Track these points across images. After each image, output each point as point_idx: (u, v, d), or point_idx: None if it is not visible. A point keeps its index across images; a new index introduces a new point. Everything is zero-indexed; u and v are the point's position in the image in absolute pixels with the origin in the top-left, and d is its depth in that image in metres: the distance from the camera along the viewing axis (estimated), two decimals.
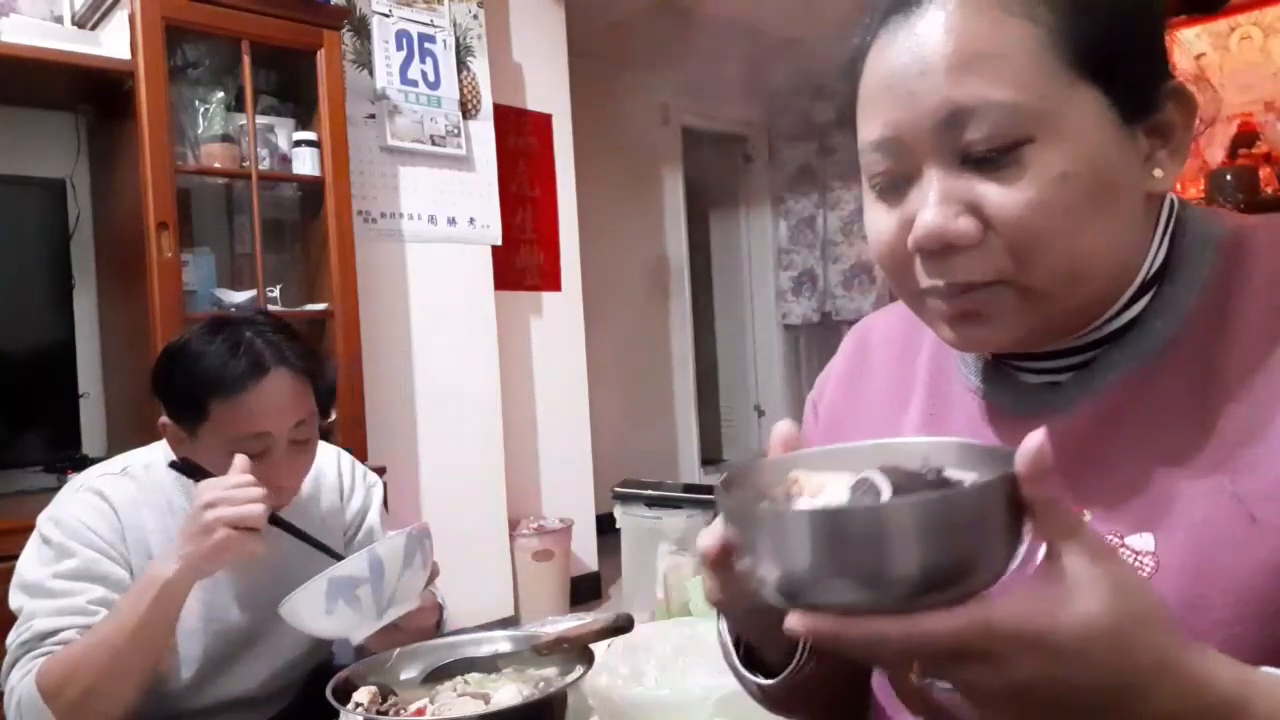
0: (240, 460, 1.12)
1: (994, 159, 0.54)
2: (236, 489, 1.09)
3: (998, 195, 0.54)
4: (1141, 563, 0.55)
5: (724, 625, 0.71)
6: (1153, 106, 0.57)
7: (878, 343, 0.79)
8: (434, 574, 1.20)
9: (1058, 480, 0.44)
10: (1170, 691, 0.44)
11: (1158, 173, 0.57)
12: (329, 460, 1.42)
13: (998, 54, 0.53)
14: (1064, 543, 0.44)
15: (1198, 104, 0.58)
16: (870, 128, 0.59)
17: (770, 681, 0.66)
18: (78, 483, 1.25)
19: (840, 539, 0.43)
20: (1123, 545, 0.56)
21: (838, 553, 0.43)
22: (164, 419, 1.22)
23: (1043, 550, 0.45)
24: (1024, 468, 0.43)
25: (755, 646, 0.68)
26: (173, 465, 1.19)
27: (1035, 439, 0.43)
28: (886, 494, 0.46)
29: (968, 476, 0.49)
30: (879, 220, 0.61)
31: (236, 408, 1.16)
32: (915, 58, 0.55)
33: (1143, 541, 0.55)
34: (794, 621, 0.44)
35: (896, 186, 0.59)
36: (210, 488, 1.10)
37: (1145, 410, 0.58)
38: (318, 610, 1.08)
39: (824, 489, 0.51)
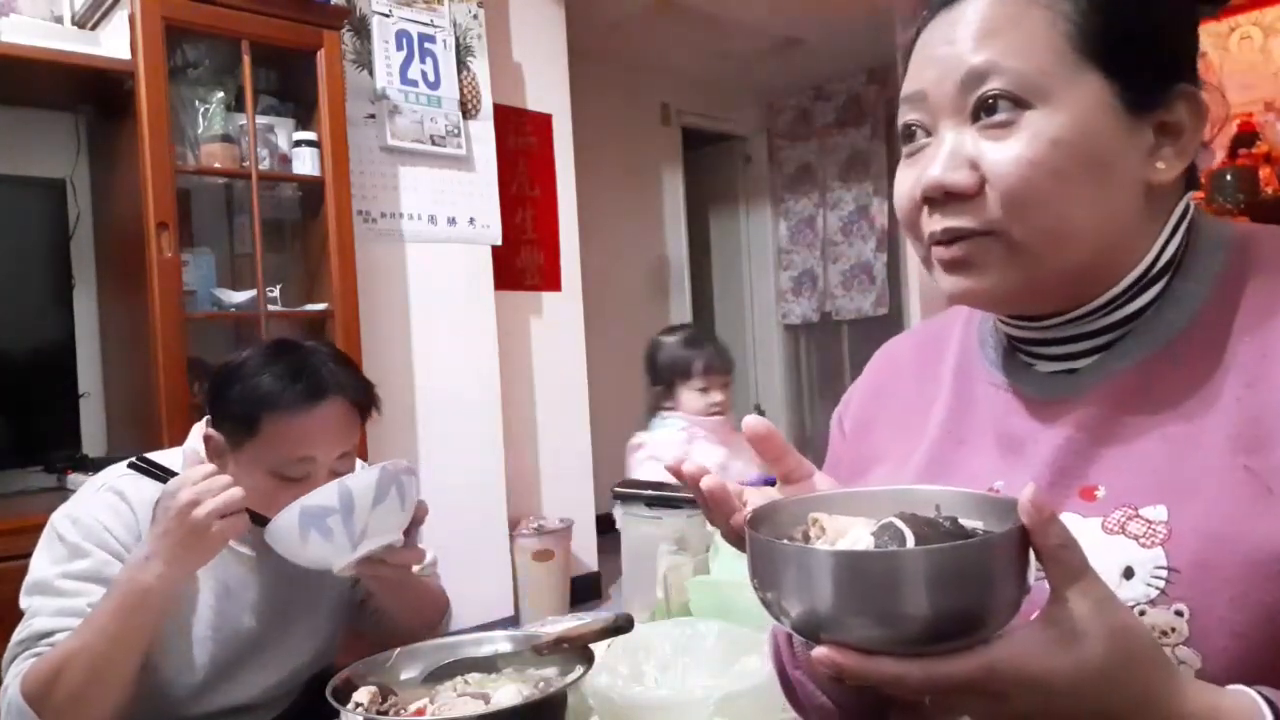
0: (195, 463, 1.14)
1: (997, 121, 0.60)
2: (208, 481, 1.09)
3: (993, 151, 0.61)
4: (1155, 530, 0.59)
5: None
6: (1159, 104, 0.61)
7: (902, 356, 0.84)
8: (421, 514, 1.22)
9: (1063, 528, 0.49)
10: None
11: (1160, 165, 0.62)
12: None
13: (1014, 32, 0.61)
14: (1068, 589, 0.49)
15: (1209, 109, 0.63)
16: (906, 85, 0.67)
17: None
18: (98, 481, 1.24)
19: (869, 581, 0.47)
20: (1137, 515, 0.60)
21: (865, 593, 0.47)
22: (209, 430, 1.22)
23: (1034, 575, 0.50)
24: (1028, 519, 0.48)
25: None
26: (132, 465, 1.18)
27: (1029, 491, 0.48)
28: (910, 541, 0.49)
29: (977, 524, 0.53)
30: (901, 179, 0.67)
31: (289, 427, 1.16)
32: (948, 33, 0.63)
33: (1156, 512, 0.59)
34: (821, 654, 0.49)
35: (920, 148, 0.66)
36: (184, 487, 1.08)
37: (1158, 394, 0.62)
38: (294, 538, 1.11)
39: (847, 533, 0.54)
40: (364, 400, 1.25)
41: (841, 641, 0.49)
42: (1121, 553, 0.59)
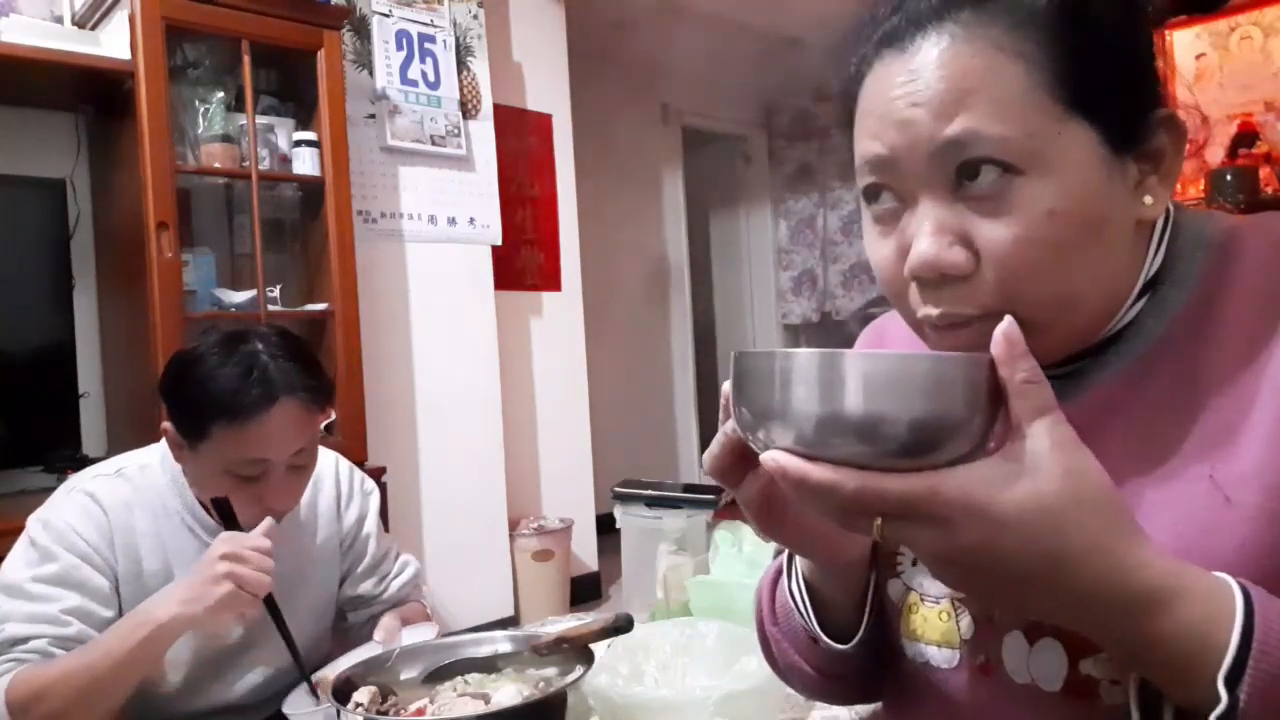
0: (268, 524, 1.16)
1: (986, 194, 0.55)
2: (255, 552, 1.11)
3: (987, 229, 0.55)
4: None
5: (796, 584, 0.74)
6: (1142, 136, 0.58)
7: (892, 337, 0.81)
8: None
9: (1033, 364, 0.48)
10: (1096, 572, 0.47)
11: (1148, 199, 0.58)
12: (327, 467, 1.42)
13: (988, 90, 0.54)
14: (1031, 423, 0.48)
15: (1187, 130, 0.59)
16: (867, 145, 0.60)
17: (844, 646, 0.71)
18: (71, 484, 1.25)
19: (829, 382, 0.47)
20: None
21: (826, 397, 0.47)
22: (167, 424, 1.22)
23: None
24: (998, 351, 0.48)
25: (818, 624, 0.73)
26: (213, 502, 1.21)
27: (1005, 324, 0.48)
28: None
29: None
30: (878, 248, 0.62)
31: (239, 434, 1.16)
32: (909, 90, 0.56)
33: None
34: (767, 458, 0.48)
35: (893, 213, 0.60)
36: (230, 540, 1.12)
37: (1135, 404, 0.60)
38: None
39: None
40: (318, 398, 1.23)
41: (796, 450, 0.48)
42: None
